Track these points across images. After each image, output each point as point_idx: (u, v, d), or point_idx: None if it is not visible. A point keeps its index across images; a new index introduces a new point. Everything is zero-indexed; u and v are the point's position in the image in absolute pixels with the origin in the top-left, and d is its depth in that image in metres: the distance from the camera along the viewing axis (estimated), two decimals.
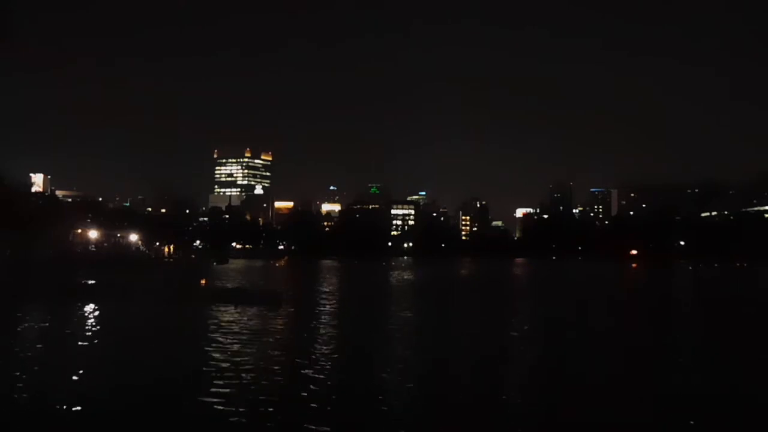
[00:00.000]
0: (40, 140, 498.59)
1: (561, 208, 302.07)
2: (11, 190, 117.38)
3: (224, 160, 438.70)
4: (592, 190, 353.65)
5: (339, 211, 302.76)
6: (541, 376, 22.88)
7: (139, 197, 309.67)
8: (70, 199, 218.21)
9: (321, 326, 34.52)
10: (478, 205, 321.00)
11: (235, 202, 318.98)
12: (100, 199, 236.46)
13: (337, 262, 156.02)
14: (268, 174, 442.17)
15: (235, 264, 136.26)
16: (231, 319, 36.57)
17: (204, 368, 22.29)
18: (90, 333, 31.47)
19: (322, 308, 44.32)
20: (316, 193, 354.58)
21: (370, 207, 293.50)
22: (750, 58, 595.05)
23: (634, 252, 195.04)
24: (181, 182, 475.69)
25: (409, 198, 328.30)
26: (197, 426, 16.21)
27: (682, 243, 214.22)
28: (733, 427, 16.89)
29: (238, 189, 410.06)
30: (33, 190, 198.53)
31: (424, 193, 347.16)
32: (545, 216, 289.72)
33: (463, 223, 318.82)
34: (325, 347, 27.48)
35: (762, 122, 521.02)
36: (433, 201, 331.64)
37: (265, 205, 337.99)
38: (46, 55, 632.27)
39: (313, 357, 24.94)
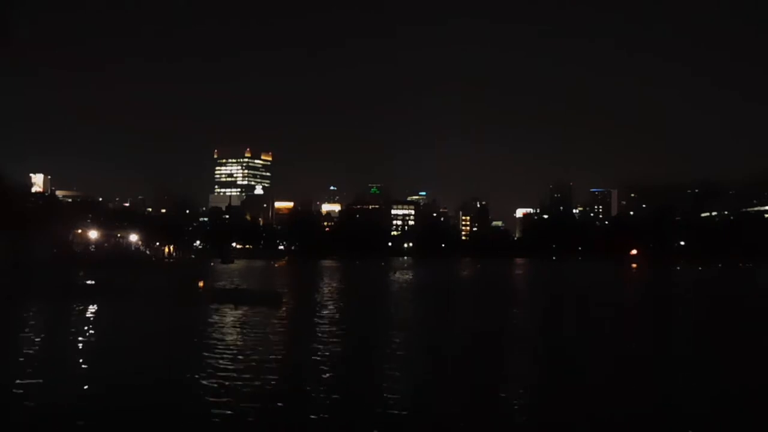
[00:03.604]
0: (40, 140, 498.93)
1: (561, 208, 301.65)
2: (11, 190, 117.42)
3: (224, 160, 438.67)
4: (592, 190, 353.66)
5: (339, 211, 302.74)
6: (541, 374, 22.90)
7: (139, 197, 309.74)
8: (70, 199, 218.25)
9: (321, 326, 34.50)
10: (478, 205, 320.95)
11: (235, 203, 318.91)
12: (100, 199, 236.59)
13: (337, 262, 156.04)
14: (268, 174, 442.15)
15: (236, 264, 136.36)
16: (231, 319, 36.58)
17: (204, 368, 22.29)
18: (89, 333, 31.48)
19: (322, 308, 44.30)
20: (316, 193, 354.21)
21: (370, 207, 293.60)
22: (750, 59, 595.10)
23: (633, 252, 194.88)
24: (181, 182, 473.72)
25: (409, 198, 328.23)
26: (197, 426, 16.20)
27: (682, 243, 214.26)
28: (734, 425, 16.90)
29: (238, 189, 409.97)
30: (33, 190, 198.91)
31: (424, 193, 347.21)
32: (545, 216, 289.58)
33: (463, 223, 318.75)
34: (325, 347, 27.47)
35: (762, 122, 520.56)
36: (433, 201, 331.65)
37: (265, 205, 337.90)
38: (46, 54, 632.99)
39: (314, 357, 24.93)
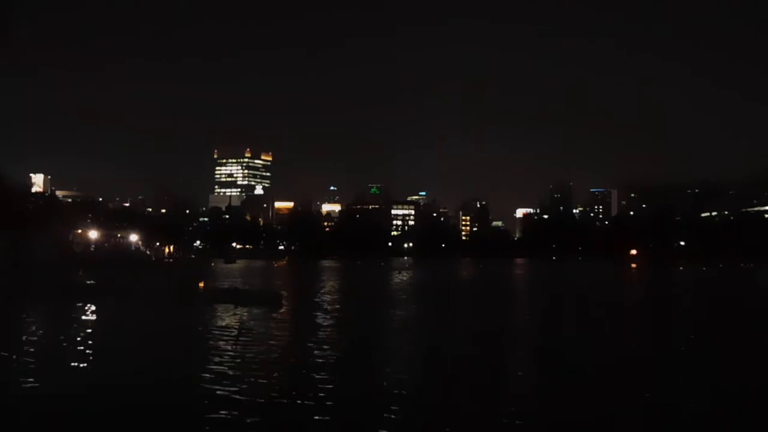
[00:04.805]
0: (40, 140, 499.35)
1: (561, 208, 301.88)
2: (11, 190, 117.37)
3: (224, 161, 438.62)
4: (592, 190, 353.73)
5: (339, 211, 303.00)
6: (541, 374, 22.90)
7: (139, 197, 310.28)
8: (70, 199, 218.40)
9: (321, 326, 34.52)
10: (478, 205, 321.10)
11: (235, 203, 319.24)
12: (100, 199, 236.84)
13: (337, 263, 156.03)
14: (268, 174, 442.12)
15: (237, 264, 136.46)
16: (231, 319, 36.58)
17: (204, 368, 22.28)
18: (89, 333, 31.47)
19: (321, 308, 44.30)
20: (316, 193, 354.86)
21: (370, 207, 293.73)
22: (750, 59, 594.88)
23: (633, 252, 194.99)
24: (181, 182, 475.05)
25: (409, 198, 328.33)
26: (197, 426, 16.19)
27: (682, 243, 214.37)
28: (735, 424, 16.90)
29: (238, 189, 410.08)
30: (33, 190, 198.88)
31: (424, 193, 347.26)
32: (545, 216, 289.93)
33: (463, 223, 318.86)
34: (325, 347, 27.46)
35: (762, 122, 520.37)
36: (433, 201, 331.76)
37: (265, 205, 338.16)
38: (46, 54, 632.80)
39: (313, 357, 24.93)
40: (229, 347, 26.74)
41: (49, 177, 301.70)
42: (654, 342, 31.84)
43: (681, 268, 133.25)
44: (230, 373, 21.67)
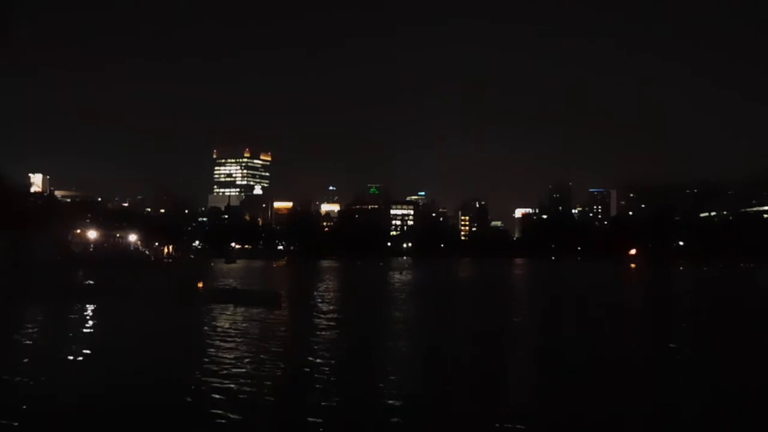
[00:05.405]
0: (40, 140, 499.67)
1: (560, 208, 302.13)
2: (11, 190, 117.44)
3: (224, 161, 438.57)
4: (591, 190, 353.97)
5: (338, 211, 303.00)
6: (541, 374, 22.90)
7: (139, 197, 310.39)
8: (69, 199, 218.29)
9: (320, 326, 34.49)
10: (478, 205, 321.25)
11: (235, 203, 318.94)
12: (100, 199, 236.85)
13: (337, 263, 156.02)
14: (267, 174, 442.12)
15: (237, 264, 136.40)
16: (230, 319, 36.57)
17: (203, 368, 22.27)
18: (89, 334, 31.47)
19: (321, 308, 44.29)
20: (315, 193, 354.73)
21: (370, 207, 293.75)
22: (750, 59, 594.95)
23: (633, 252, 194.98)
24: (180, 182, 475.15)
25: (408, 198, 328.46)
26: (197, 426, 16.19)
27: (681, 243, 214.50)
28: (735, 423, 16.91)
29: (238, 189, 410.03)
30: (32, 190, 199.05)
31: (423, 193, 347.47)
32: (544, 216, 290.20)
33: (463, 223, 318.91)
34: (324, 347, 27.45)
35: (762, 122, 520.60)
36: (433, 201, 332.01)
37: (264, 205, 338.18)
38: (46, 54, 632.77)
39: (313, 357, 24.91)
40: (228, 347, 26.75)
41: (48, 177, 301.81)
42: (654, 342, 31.83)
43: (681, 268, 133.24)
44: (230, 373, 21.65)
